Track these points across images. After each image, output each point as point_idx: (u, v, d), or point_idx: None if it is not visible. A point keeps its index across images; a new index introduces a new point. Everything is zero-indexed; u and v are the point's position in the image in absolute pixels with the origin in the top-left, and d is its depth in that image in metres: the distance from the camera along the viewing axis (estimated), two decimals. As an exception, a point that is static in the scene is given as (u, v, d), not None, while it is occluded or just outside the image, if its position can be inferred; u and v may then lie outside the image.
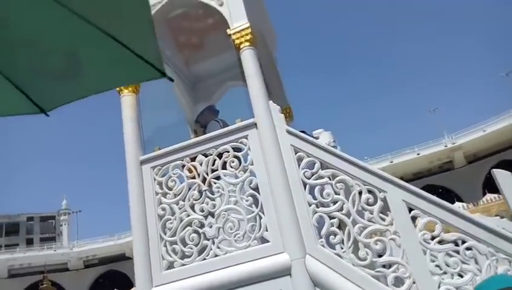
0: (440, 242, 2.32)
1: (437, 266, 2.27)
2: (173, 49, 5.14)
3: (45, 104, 1.66)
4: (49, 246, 40.40)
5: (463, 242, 2.29)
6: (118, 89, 3.62)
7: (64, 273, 37.51)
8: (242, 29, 3.26)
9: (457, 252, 2.28)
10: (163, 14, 3.86)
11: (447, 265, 2.26)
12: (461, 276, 2.25)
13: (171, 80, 1.63)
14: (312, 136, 3.69)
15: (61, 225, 45.47)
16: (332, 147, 3.00)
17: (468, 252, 2.24)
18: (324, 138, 3.07)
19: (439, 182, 35.23)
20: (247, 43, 3.25)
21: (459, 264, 2.24)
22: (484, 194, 30.23)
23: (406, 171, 36.15)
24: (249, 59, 3.24)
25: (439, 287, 2.23)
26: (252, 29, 3.29)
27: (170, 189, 3.11)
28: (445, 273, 2.26)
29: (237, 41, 3.28)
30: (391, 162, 36.03)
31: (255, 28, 4.30)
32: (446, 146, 34.58)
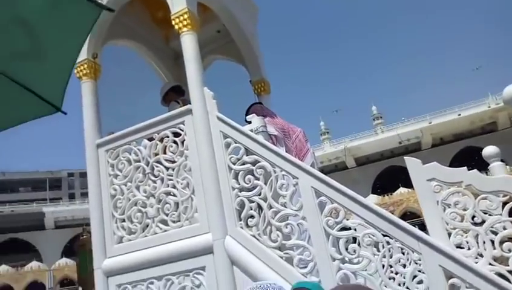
0: (343, 229, 2.43)
1: (337, 252, 2.41)
2: (150, 26, 5.15)
3: None
4: (90, 200, 43.61)
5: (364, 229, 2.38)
6: (78, 75, 3.79)
7: (105, 225, 40.80)
8: (181, 14, 3.26)
9: (357, 238, 2.39)
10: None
11: (347, 251, 2.39)
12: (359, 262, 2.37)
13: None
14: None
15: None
16: (261, 131, 3.07)
17: (366, 239, 2.35)
18: (255, 122, 3.13)
19: (480, 144, 33.60)
20: (185, 28, 3.27)
21: (356, 251, 2.36)
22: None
23: (446, 132, 34.53)
24: (187, 44, 3.27)
25: (338, 270, 2.38)
26: (191, 13, 3.28)
27: (120, 171, 3.36)
28: (344, 258, 2.39)
29: (176, 26, 3.30)
30: (430, 122, 34.30)
31: (220, 8, 4.21)
32: (489, 106, 32.32)
